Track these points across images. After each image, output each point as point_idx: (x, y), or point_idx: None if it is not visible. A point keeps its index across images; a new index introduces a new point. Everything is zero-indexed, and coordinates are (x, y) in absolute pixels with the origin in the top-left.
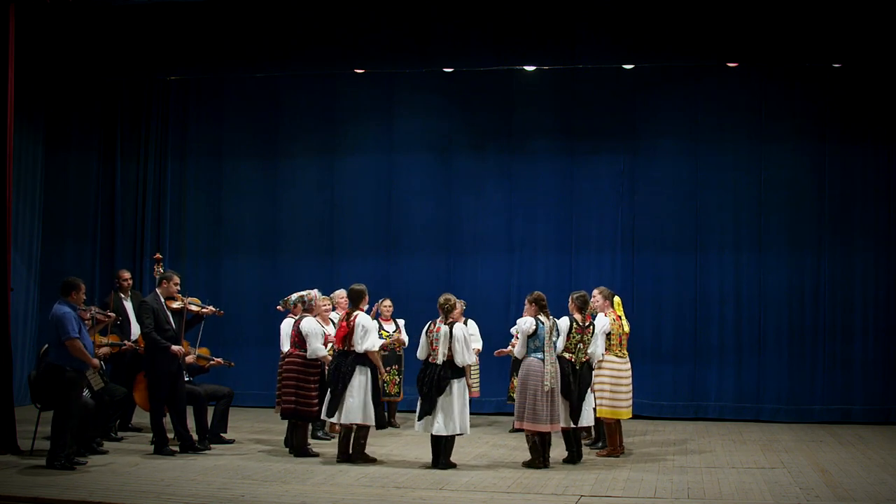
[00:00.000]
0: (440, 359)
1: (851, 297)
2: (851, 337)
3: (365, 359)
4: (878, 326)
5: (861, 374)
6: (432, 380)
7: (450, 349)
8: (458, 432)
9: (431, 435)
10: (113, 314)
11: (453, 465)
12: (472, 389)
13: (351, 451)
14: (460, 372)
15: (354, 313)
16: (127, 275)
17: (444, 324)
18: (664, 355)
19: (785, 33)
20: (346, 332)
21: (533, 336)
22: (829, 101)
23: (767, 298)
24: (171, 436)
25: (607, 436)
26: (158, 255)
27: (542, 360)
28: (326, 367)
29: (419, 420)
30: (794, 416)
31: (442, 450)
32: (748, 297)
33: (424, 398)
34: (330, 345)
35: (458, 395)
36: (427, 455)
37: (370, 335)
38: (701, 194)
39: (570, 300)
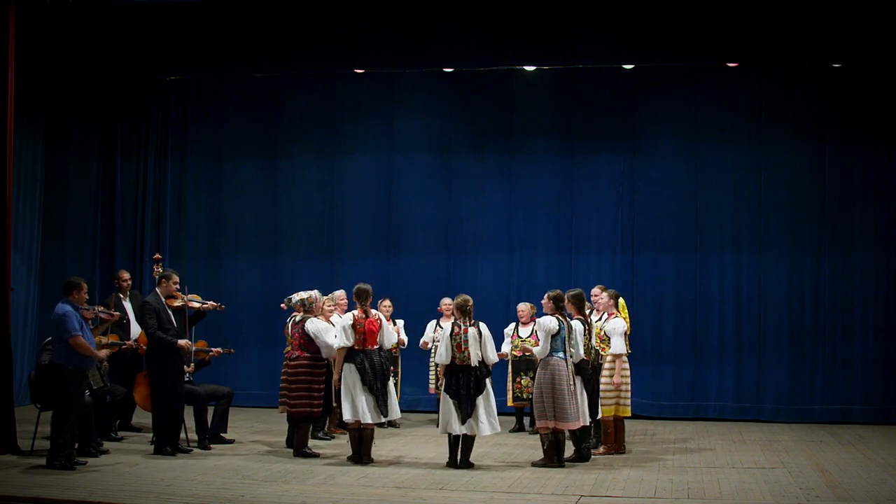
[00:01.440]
0: (474, 360)
1: (851, 297)
2: (851, 337)
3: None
4: (878, 326)
5: (861, 374)
6: (469, 382)
7: (480, 349)
8: (499, 430)
9: (449, 435)
10: (118, 313)
11: (472, 465)
12: None
13: (365, 450)
14: (489, 371)
15: (375, 312)
16: (126, 275)
17: (470, 325)
18: (664, 355)
19: (785, 33)
20: (379, 329)
21: (556, 335)
22: (829, 101)
23: (767, 298)
24: None
25: (603, 433)
26: (158, 256)
27: (564, 359)
28: (333, 367)
29: (462, 423)
30: (794, 416)
31: (465, 449)
32: (748, 297)
33: (462, 401)
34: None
35: (491, 393)
36: (426, 455)
37: (390, 331)
38: (701, 194)
39: (565, 299)
